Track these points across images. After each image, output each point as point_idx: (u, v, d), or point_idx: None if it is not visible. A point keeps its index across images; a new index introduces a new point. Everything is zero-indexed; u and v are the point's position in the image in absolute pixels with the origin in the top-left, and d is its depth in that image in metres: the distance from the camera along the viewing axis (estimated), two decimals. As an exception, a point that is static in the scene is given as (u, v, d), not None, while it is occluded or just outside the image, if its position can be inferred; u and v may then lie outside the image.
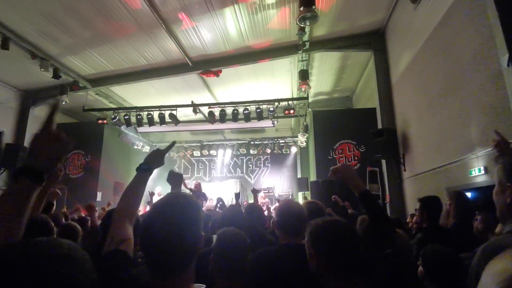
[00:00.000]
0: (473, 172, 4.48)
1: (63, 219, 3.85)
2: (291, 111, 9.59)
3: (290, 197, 13.10)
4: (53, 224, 2.50)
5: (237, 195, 4.80)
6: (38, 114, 10.76)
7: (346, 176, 1.84)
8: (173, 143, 1.91)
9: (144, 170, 1.52)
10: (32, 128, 10.27)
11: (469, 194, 4.49)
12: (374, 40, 8.30)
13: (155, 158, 1.58)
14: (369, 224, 3.26)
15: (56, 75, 8.57)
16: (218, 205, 4.67)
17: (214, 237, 1.82)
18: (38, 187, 1.04)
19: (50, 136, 1.09)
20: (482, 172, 4.27)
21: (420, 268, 1.97)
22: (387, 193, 7.62)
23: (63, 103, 9.75)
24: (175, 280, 1.04)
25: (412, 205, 6.44)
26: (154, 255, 1.04)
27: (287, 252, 1.89)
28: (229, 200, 11.21)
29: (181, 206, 1.08)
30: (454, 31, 4.94)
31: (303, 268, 1.76)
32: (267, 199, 11.83)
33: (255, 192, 4.76)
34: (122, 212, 1.36)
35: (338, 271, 1.28)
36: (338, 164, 1.91)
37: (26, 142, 9.93)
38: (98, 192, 11.33)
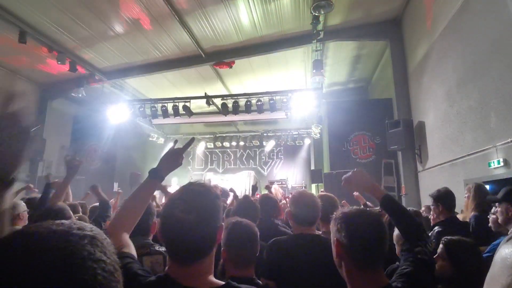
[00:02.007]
0: (492, 164, 4.37)
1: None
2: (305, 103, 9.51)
3: (304, 188, 13.06)
4: (71, 212, 2.55)
5: (254, 188, 4.79)
6: (56, 106, 11.01)
7: (360, 185, 1.70)
8: (192, 139, 1.73)
9: (153, 176, 1.38)
10: (50, 120, 10.52)
11: (487, 187, 4.39)
12: (390, 29, 8.11)
13: (170, 160, 1.45)
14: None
15: (72, 68, 8.70)
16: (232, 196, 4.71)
17: None
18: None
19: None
20: (502, 164, 4.15)
21: (441, 262, 1.88)
22: (403, 185, 7.52)
23: (80, 95, 9.95)
24: (194, 268, 1.04)
25: (428, 198, 6.34)
26: (174, 244, 1.05)
27: (300, 241, 1.93)
28: (242, 192, 11.26)
29: (200, 194, 1.09)
30: (473, 19, 4.78)
31: (315, 257, 1.80)
32: (281, 190, 11.83)
33: (269, 188, 4.73)
34: (118, 225, 1.31)
35: (361, 262, 1.26)
36: (349, 173, 1.72)
37: (45, 135, 10.17)
38: (114, 183, 11.56)
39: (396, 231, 2.34)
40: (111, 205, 3.36)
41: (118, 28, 7.69)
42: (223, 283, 1.06)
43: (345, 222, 1.31)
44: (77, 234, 0.50)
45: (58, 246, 0.47)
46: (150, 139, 13.99)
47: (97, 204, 3.53)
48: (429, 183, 6.49)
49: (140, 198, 1.37)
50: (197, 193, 1.09)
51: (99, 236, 0.54)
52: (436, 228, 2.67)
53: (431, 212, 3.11)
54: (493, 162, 4.33)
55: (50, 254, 0.46)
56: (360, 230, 1.27)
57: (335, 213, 1.40)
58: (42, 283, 0.43)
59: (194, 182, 1.17)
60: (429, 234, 2.56)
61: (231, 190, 4.85)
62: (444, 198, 2.91)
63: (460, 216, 3.11)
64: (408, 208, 4.46)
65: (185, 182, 1.80)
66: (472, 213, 2.80)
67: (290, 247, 1.92)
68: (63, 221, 0.54)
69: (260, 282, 1.72)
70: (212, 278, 1.07)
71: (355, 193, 4.28)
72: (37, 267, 0.44)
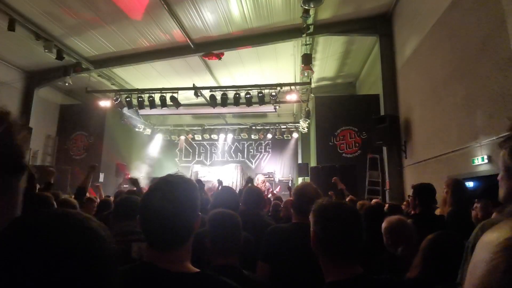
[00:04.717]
0: (476, 161, 4.45)
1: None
2: (293, 97, 9.53)
3: (290, 182, 13.14)
4: (53, 200, 2.53)
5: (249, 180, 4.80)
6: (42, 95, 10.78)
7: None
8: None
9: None
10: (36, 108, 10.32)
11: (471, 183, 4.48)
12: (380, 24, 8.15)
13: None
14: (369, 209, 3.28)
15: (59, 57, 8.53)
16: (220, 187, 4.71)
17: None
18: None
19: None
20: (486, 161, 4.23)
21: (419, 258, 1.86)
22: (387, 180, 7.63)
23: (66, 84, 9.77)
24: (172, 255, 1.08)
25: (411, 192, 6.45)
26: (152, 231, 1.10)
27: (297, 229, 2.04)
28: (230, 185, 11.26)
29: (178, 184, 1.13)
30: (463, 16, 4.82)
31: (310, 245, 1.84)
32: (267, 184, 11.88)
33: (250, 180, 4.74)
34: None
35: (334, 253, 1.28)
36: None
37: (31, 123, 9.97)
38: (100, 174, 11.41)
39: (384, 223, 2.38)
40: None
41: (106, 16, 7.53)
42: (199, 270, 1.10)
43: (320, 214, 1.34)
44: (92, 220, 0.57)
45: (72, 226, 0.54)
46: (137, 130, 13.84)
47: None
48: (414, 179, 6.60)
49: None
50: (175, 184, 1.13)
51: (91, 222, 0.59)
52: (408, 221, 2.72)
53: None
54: (477, 159, 4.41)
55: (61, 234, 0.52)
56: (334, 223, 1.29)
57: (314, 205, 1.42)
58: (54, 259, 0.49)
59: (172, 173, 1.21)
60: None
61: (219, 181, 4.87)
62: (423, 193, 2.96)
63: (437, 212, 3.16)
64: (390, 203, 4.57)
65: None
66: (450, 208, 2.85)
67: (288, 234, 2.03)
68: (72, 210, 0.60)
69: (245, 271, 1.73)
70: (189, 264, 1.12)
71: (334, 178, 4.83)
72: (52, 244, 0.50)
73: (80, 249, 0.51)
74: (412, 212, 3.19)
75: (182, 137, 15.35)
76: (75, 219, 0.55)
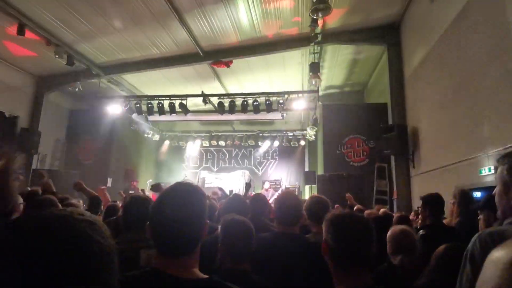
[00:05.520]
0: (483, 171, 4.42)
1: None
2: (301, 105, 9.55)
3: (297, 190, 13.09)
4: (58, 202, 2.59)
5: (248, 185, 4.84)
6: (52, 100, 10.97)
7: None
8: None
9: None
10: (46, 113, 10.50)
11: (478, 194, 4.44)
12: (388, 34, 8.16)
13: None
14: (376, 219, 3.28)
15: (70, 62, 8.66)
16: (220, 193, 4.77)
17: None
18: None
19: None
20: (493, 171, 4.20)
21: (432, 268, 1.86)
22: (395, 189, 7.57)
23: (76, 89, 9.93)
24: (181, 261, 1.11)
25: (419, 203, 6.39)
26: (162, 238, 1.13)
27: (281, 239, 2.04)
28: (237, 191, 11.26)
29: (187, 192, 1.17)
30: (471, 27, 4.83)
31: (291, 255, 1.91)
32: (272, 190, 11.85)
33: (249, 186, 4.78)
34: None
35: (345, 263, 1.30)
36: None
37: (41, 127, 10.15)
38: (108, 178, 11.52)
39: (388, 232, 2.38)
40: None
41: (117, 23, 7.67)
42: (207, 276, 1.13)
43: (333, 223, 1.36)
44: (77, 218, 0.57)
45: (61, 227, 0.54)
46: (146, 135, 13.95)
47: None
48: (421, 188, 6.55)
49: None
50: (184, 192, 1.17)
51: (97, 221, 0.60)
52: (420, 232, 2.71)
53: (419, 215, 3.14)
54: (484, 169, 4.39)
55: (54, 234, 0.53)
56: (346, 232, 1.32)
57: (327, 214, 1.44)
58: (48, 259, 0.50)
59: (182, 181, 1.24)
60: None
61: (220, 188, 4.93)
62: (432, 203, 2.95)
63: (445, 222, 3.14)
64: (398, 213, 4.52)
65: (178, 180, 1.83)
66: (458, 219, 2.83)
67: (268, 243, 2.02)
68: (67, 208, 0.62)
69: (254, 276, 1.76)
70: (197, 270, 1.14)
71: (347, 194, 4.54)
72: (44, 245, 0.51)
73: (64, 249, 0.51)
74: (421, 223, 3.17)
75: (197, 142, 15.35)
76: (60, 219, 0.56)
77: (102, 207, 4.16)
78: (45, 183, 3.59)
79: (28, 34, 7.39)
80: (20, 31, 7.15)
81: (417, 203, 6.67)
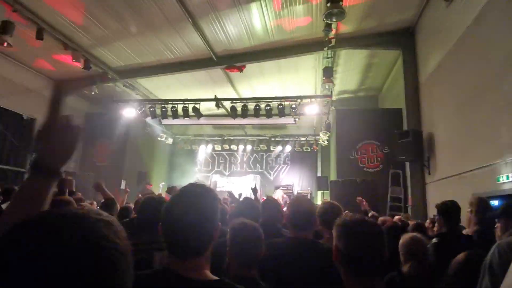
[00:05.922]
0: (501, 179, 4.30)
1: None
2: (314, 109, 9.49)
3: (309, 195, 13.00)
4: (75, 204, 2.63)
5: (254, 190, 4.80)
6: (68, 103, 11.19)
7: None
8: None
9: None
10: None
11: (496, 202, 4.32)
12: (403, 39, 8.07)
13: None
14: (392, 226, 3.23)
15: (86, 66, 8.84)
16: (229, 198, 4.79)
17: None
18: (54, 183, 0.92)
19: (61, 126, 0.96)
20: (511, 179, 4.09)
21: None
22: (410, 196, 7.44)
23: (92, 93, 10.12)
24: (192, 262, 1.12)
25: (435, 210, 6.26)
26: (174, 240, 1.14)
27: (293, 245, 2.00)
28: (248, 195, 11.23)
29: (199, 194, 1.18)
30: (488, 31, 4.74)
31: (307, 261, 1.86)
32: (285, 196, 11.79)
33: (254, 192, 4.72)
34: None
35: (356, 269, 1.28)
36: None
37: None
38: (122, 180, 11.67)
39: (401, 240, 2.34)
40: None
41: (133, 28, 7.81)
42: (217, 278, 1.13)
43: (344, 230, 1.34)
44: (94, 218, 0.57)
45: (77, 226, 0.54)
46: (159, 139, 14.12)
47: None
48: (437, 195, 6.41)
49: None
50: (197, 193, 1.18)
51: (113, 221, 0.60)
52: (433, 240, 2.65)
53: (435, 223, 3.08)
54: (502, 176, 4.27)
55: (71, 233, 0.52)
56: (357, 239, 1.29)
57: (337, 220, 1.42)
58: (63, 258, 0.49)
59: (194, 183, 1.24)
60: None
61: (229, 193, 4.93)
62: (448, 211, 2.89)
63: (464, 231, 3.07)
64: (413, 220, 4.43)
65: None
66: (475, 227, 2.76)
67: (281, 249, 1.97)
68: (84, 207, 0.59)
69: (262, 283, 1.73)
70: (208, 272, 1.14)
71: (359, 198, 4.46)
72: (60, 244, 0.50)
73: (79, 248, 0.51)
74: (437, 231, 3.10)
75: (210, 146, 15.45)
76: (71, 218, 0.55)
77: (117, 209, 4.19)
78: (68, 180, 3.62)
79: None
80: (39, 35, 7.34)
81: (432, 211, 6.53)
